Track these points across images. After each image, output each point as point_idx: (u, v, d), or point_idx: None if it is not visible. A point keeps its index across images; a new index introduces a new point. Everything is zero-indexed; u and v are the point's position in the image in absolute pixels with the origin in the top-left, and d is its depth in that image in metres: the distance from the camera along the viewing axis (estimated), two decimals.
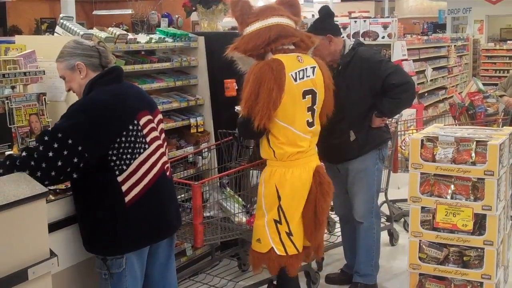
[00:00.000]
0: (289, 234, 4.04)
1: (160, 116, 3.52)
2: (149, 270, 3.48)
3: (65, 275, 3.31)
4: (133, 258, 3.29)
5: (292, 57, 3.98)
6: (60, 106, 4.18)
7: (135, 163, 3.20)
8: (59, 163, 3.00)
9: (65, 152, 3.01)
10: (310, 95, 4.03)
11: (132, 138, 3.19)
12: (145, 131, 3.28)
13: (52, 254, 2.80)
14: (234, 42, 4.02)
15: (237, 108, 4.22)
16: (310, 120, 4.06)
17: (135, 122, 3.23)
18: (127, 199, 3.18)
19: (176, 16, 6.59)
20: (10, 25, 22.04)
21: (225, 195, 4.59)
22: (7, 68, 3.92)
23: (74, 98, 4.09)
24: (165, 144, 3.52)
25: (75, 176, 3.09)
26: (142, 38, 4.99)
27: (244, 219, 4.54)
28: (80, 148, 3.02)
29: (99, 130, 3.11)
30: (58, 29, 4.59)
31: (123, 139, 3.16)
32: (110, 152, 3.13)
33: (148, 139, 3.30)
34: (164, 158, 3.42)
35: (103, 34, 4.64)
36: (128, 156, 3.17)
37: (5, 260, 2.56)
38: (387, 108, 4.61)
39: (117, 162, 3.16)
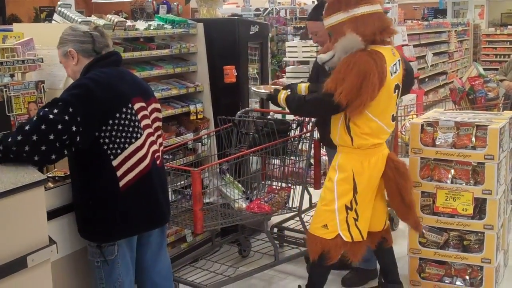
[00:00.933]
0: (356, 220, 4.08)
1: (155, 105, 3.49)
2: (141, 259, 3.50)
3: (64, 262, 3.32)
4: (124, 245, 3.31)
5: (388, 49, 3.99)
6: (59, 94, 4.16)
7: (131, 148, 3.20)
8: (51, 137, 2.94)
9: (65, 121, 2.97)
10: (397, 90, 4.07)
11: (126, 122, 3.19)
12: (139, 116, 3.28)
13: (51, 241, 2.80)
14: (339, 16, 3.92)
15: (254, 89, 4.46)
16: (394, 115, 4.13)
17: (129, 105, 3.23)
18: (121, 184, 3.18)
19: (175, 3, 6.55)
20: (9, 14, 21.97)
21: (224, 181, 4.59)
22: (5, 56, 3.91)
23: None
24: (157, 133, 3.49)
25: (66, 153, 3.06)
26: (141, 25, 4.97)
27: (244, 205, 4.54)
28: (79, 118, 3.01)
29: (93, 105, 3.09)
30: (56, 16, 4.57)
31: (116, 121, 3.15)
32: (103, 134, 3.12)
33: (142, 125, 3.29)
34: (154, 147, 3.40)
35: (101, 21, 4.62)
36: (122, 140, 3.17)
37: (4, 247, 2.57)
38: None
39: (110, 146, 3.15)
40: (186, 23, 5.32)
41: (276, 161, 4.77)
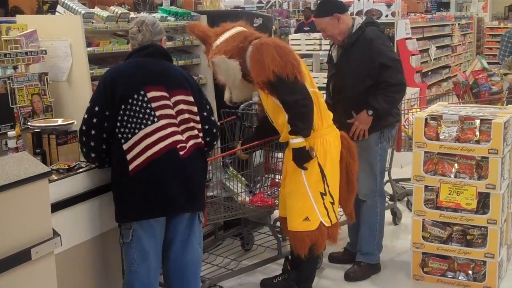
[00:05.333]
0: (333, 203, 4.17)
1: (182, 97, 3.53)
2: (167, 247, 3.59)
3: (68, 254, 3.32)
4: (140, 231, 3.43)
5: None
6: (62, 86, 4.17)
7: (140, 134, 3.35)
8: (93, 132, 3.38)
9: (94, 120, 3.39)
10: None
11: (137, 108, 3.36)
12: (154, 105, 3.40)
13: (55, 234, 2.80)
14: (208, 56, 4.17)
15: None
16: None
17: (141, 93, 3.39)
18: (130, 167, 3.34)
19: None
20: (11, 6, 21.93)
21: (228, 174, 4.58)
22: (8, 48, 3.90)
23: (76, 78, 4.10)
24: (187, 125, 3.53)
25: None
26: None
27: (247, 199, 4.54)
28: (96, 108, 3.38)
29: (105, 97, 3.40)
30: (59, 8, 4.56)
31: (128, 107, 3.36)
32: (119, 118, 3.37)
33: (157, 113, 3.39)
34: (178, 137, 3.45)
35: (104, 13, 4.61)
36: (133, 125, 3.34)
37: (8, 239, 2.57)
38: (383, 106, 4.51)
39: (121, 130, 3.36)
40: (190, 15, 5.31)
41: (280, 155, 4.76)
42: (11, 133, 3.56)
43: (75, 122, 3.75)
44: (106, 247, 3.66)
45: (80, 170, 3.52)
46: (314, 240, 4.15)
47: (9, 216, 2.57)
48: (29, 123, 3.79)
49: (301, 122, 3.98)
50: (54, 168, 3.44)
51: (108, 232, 3.65)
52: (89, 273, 3.57)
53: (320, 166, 4.08)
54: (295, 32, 14.00)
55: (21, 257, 2.60)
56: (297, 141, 3.99)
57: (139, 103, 3.37)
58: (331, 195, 4.16)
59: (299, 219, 4.13)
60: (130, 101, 3.36)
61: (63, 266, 3.24)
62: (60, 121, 3.80)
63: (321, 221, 4.13)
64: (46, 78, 4.04)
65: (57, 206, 3.19)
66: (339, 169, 4.24)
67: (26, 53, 3.96)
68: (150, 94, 3.40)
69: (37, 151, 3.57)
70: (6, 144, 3.60)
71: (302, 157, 4.02)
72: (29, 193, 2.66)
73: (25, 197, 2.64)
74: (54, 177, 3.33)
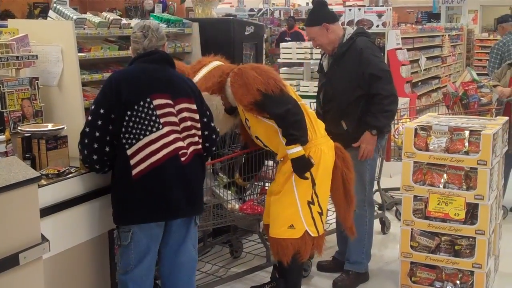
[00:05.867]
0: (321, 214, 4.17)
1: (187, 105, 3.58)
2: (162, 250, 3.64)
3: (56, 260, 3.31)
4: (140, 234, 3.47)
5: None
6: (53, 91, 4.16)
7: (145, 140, 3.38)
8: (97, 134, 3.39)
9: (99, 122, 3.39)
10: None
11: (142, 115, 3.39)
12: (159, 112, 3.43)
13: (44, 239, 2.79)
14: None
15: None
16: None
17: (147, 100, 3.42)
18: (133, 172, 3.37)
19: (170, 2, 6.54)
20: (2, 9, 21.86)
21: (217, 181, 4.58)
22: None
23: (67, 83, 4.09)
24: (188, 132, 3.58)
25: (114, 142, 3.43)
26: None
27: (236, 206, 4.54)
28: (102, 111, 3.39)
29: (111, 101, 3.41)
30: (51, 13, 4.56)
31: (134, 113, 3.38)
32: (124, 124, 3.38)
33: (162, 120, 3.43)
34: (180, 144, 3.49)
35: (96, 19, 4.61)
36: (137, 131, 3.38)
37: None
38: (384, 122, 4.60)
39: (126, 136, 3.38)
40: (182, 23, 5.33)
41: (270, 162, 4.76)
42: (1, 137, 3.53)
43: (65, 127, 3.75)
44: (94, 253, 3.66)
45: (70, 175, 3.51)
46: (297, 248, 4.14)
47: None
48: (19, 128, 3.78)
49: (297, 130, 4.00)
50: (43, 173, 3.43)
51: (97, 238, 3.65)
52: (77, 278, 3.56)
53: (311, 175, 4.08)
54: (277, 41, 14.09)
55: (9, 262, 2.59)
56: (295, 150, 3.99)
57: (145, 110, 3.40)
58: (319, 205, 4.15)
59: (284, 226, 4.13)
60: (136, 107, 3.39)
61: (51, 272, 3.24)
62: (50, 126, 3.79)
63: (306, 230, 4.13)
64: (37, 83, 4.03)
65: (46, 211, 3.18)
66: (335, 180, 4.25)
67: (17, 57, 3.94)
68: (156, 102, 3.44)
69: (26, 155, 3.56)
70: None
71: (303, 165, 4.03)
72: (18, 198, 2.65)
73: (14, 202, 2.63)
74: (43, 182, 3.31)
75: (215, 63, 4.27)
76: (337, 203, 4.36)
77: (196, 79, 4.17)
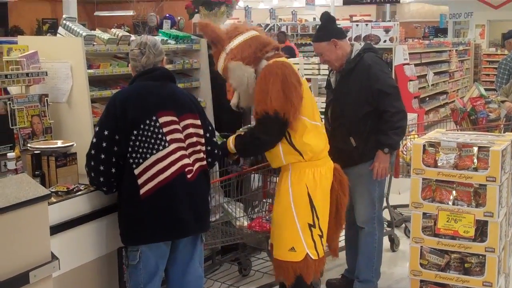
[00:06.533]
0: (321, 236, 4.13)
1: (191, 121, 3.59)
2: (170, 268, 3.63)
3: (66, 278, 3.31)
4: (149, 253, 3.46)
5: (285, 59, 4.12)
6: (62, 107, 4.18)
7: (152, 159, 3.37)
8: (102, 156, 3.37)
9: (104, 144, 3.38)
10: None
11: (149, 133, 3.38)
12: (165, 130, 3.43)
13: (54, 257, 2.80)
14: (222, 57, 4.08)
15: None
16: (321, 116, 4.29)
17: (153, 118, 3.41)
18: (141, 191, 3.36)
19: (178, 17, 6.58)
20: (11, 25, 22.03)
21: (228, 198, 4.57)
22: (9, 68, 3.91)
23: (76, 100, 4.10)
24: (194, 148, 3.59)
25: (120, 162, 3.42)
26: None
27: (245, 223, 4.53)
28: (106, 132, 3.38)
29: (115, 122, 3.40)
30: (60, 30, 4.58)
31: (140, 132, 3.38)
32: (130, 143, 3.38)
33: (168, 138, 3.43)
34: (186, 161, 3.50)
35: (105, 36, 4.63)
36: (144, 150, 3.37)
37: (6, 263, 2.56)
38: (396, 139, 4.63)
39: (133, 155, 3.37)
40: (190, 39, 5.34)
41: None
42: (11, 154, 3.56)
43: (75, 144, 3.76)
44: (103, 271, 3.65)
45: (79, 192, 3.52)
46: (299, 271, 4.09)
47: (8, 239, 2.56)
48: (28, 145, 3.80)
49: (249, 150, 4.22)
50: (53, 190, 3.44)
51: (105, 256, 3.64)
52: None
53: (310, 197, 4.05)
54: None
55: (19, 280, 2.60)
56: (231, 141, 4.16)
57: (151, 128, 3.40)
58: (320, 228, 4.11)
59: (285, 248, 4.09)
60: (142, 126, 3.39)
61: None
62: (59, 143, 3.80)
63: (307, 253, 4.08)
64: (46, 100, 4.05)
65: (55, 229, 3.19)
66: (330, 202, 4.21)
67: (27, 74, 3.97)
68: (162, 120, 3.44)
69: (36, 173, 3.58)
70: (5, 165, 3.60)
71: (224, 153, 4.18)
72: (28, 216, 2.65)
73: (25, 220, 2.64)
74: (53, 199, 3.32)
75: (253, 32, 4.12)
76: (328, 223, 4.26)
77: (231, 45, 4.02)
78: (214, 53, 4.16)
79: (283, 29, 18.55)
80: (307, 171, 4.06)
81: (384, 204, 5.58)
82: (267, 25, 19.00)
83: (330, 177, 4.18)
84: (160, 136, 3.41)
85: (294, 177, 4.07)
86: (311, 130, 4.06)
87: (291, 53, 12.29)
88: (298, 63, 9.41)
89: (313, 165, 4.08)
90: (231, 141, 4.18)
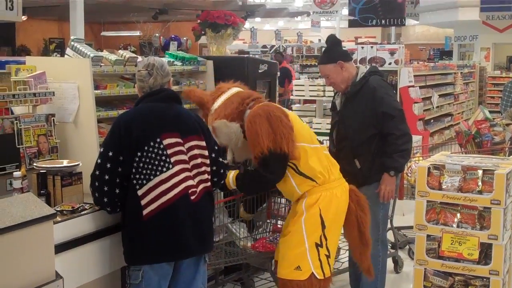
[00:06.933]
0: (328, 256, 4.13)
1: (197, 143, 3.62)
2: (172, 287, 3.61)
3: None
4: (151, 273, 3.46)
5: (267, 102, 4.31)
6: (69, 127, 4.20)
7: (155, 180, 3.39)
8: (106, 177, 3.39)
9: (108, 165, 3.39)
10: None
11: (153, 155, 3.39)
12: (169, 151, 3.44)
13: (58, 276, 2.81)
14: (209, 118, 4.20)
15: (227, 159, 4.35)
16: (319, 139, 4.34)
17: (158, 140, 3.43)
18: (144, 212, 3.36)
19: (185, 38, 6.62)
20: (18, 44, 22.18)
21: (231, 218, 4.57)
22: (17, 88, 3.94)
23: (82, 120, 4.13)
24: (198, 169, 3.60)
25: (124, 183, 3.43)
26: None
27: (249, 244, 4.53)
28: (110, 153, 3.39)
29: (120, 143, 3.42)
30: (68, 51, 4.62)
31: (144, 154, 3.40)
32: (134, 165, 3.39)
33: (172, 159, 3.44)
34: (190, 182, 3.51)
35: (113, 57, 4.67)
36: (148, 171, 3.38)
37: (11, 281, 2.57)
38: (401, 162, 4.65)
39: (137, 176, 3.38)
40: (196, 60, 5.38)
41: (282, 200, 4.77)
42: (17, 173, 3.58)
43: (81, 164, 3.78)
44: None
45: (84, 212, 3.54)
46: None
47: (14, 257, 2.58)
48: (34, 164, 3.81)
49: (252, 188, 4.28)
50: (58, 209, 3.45)
51: (109, 275, 3.65)
52: None
53: (321, 217, 4.07)
54: None
55: None
56: (231, 178, 4.17)
57: (155, 150, 3.41)
58: (327, 248, 4.12)
59: (291, 267, 4.09)
60: (146, 148, 3.40)
61: None
62: (65, 163, 3.82)
63: (312, 272, 4.08)
64: (53, 119, 4.08)
65: (59, 248, 3.19)
66: (349, 223, 4.24)
67: (34, 94, 4.00)
68: (166, 141, 3.46)
69: (41, 192, 3.59)
70: (11, 184, 3.62)
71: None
72: (34, 235, 2.67)
73: (30, 239, 2.66)
74: (58, 218, 3.33)
75: (234, 89, 4.25)
76: (352, 245, 4.36)
77: (215, 106, 4.16)
78: (203, 116, 4.25)
79: (288, 50, 18.64)
80: (323, 194, 4.10)
81: (388, 225, 5.58)
82: (273, 46, 19.09)
83: (346, 199, 4.21)
84: (164, 157, 3.42)
85: (310, 199, 4.12)
86: (314, 154, 4.12)
87: (287, 74, 12.33)
88: (303, 84, 9.45)
89: (327, 188, 4.12)
90: (231, 179, 4.20)
